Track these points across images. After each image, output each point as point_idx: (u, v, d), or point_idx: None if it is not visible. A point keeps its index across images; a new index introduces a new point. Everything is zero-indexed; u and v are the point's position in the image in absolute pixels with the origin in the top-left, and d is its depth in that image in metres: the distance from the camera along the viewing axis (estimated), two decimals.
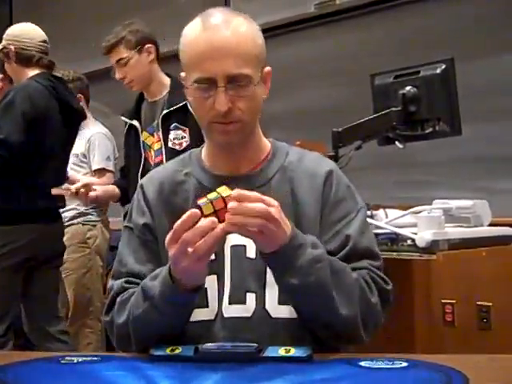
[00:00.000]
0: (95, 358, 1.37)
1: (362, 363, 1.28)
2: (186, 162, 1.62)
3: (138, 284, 1.49)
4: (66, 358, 1.37)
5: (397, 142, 2.78)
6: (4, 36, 3.39)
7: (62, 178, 3.40)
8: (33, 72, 3.32)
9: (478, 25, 3.84)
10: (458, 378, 1.18)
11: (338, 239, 1.50)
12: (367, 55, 4.19)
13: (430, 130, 2.71)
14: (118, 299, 1.51)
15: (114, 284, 1.55)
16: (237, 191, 1.30)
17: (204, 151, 1.62)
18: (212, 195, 1.31)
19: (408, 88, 2.71)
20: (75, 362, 1.35)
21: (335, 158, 2.60)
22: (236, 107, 1.46)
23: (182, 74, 1.53)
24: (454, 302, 2.34)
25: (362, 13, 4.35)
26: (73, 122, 3.43)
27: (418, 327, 2.42)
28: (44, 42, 3.40)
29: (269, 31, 4.08)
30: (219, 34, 1.45)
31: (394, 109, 2.72)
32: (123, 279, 1.54)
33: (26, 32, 3.37)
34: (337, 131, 2.70)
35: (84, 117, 3.58)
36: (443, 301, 2.36)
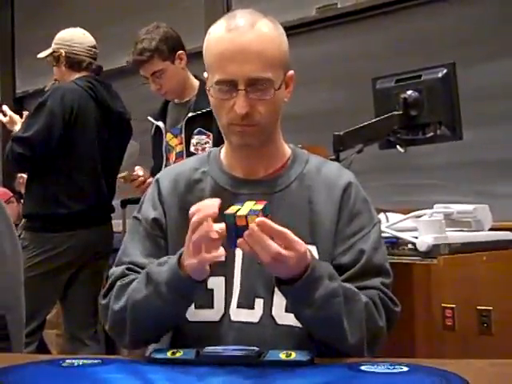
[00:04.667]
0: (96, 361, 1.36)
1: (363, 367, 1.28)
2: (204, 161, 1.62)
3: (139, 272, 1.49)
4: (67, 360, 1.37)
5: (398, 146, 2.78)
6: (54, 40, 3.45)
7: (102, 183, 3.40)
8: (80, 76, 3.38)
9: (479, 29, 3.84)
10: (459, 382, 1.18)
11: (352, 253, 1.50)
12: (369, 59, 4.19)
13: (431, 134, 2.71)
14: (118, 283, 1.51)
15: (114, 270, 1.55)
16: (261, 219, 1.29)
17: (223, 152, 1.62)
18: (242, 210, 1.30)
19: (409, 92, 2.71)
20: (76, 364, 1.35)
21: (338, 163, 2.60)
22: (255, 110, 1.46)
23: (205, 75, 1.53)
24: (454, 306, 2.34)
25: (364, 17, 4.36)
26: (114, 125, 3.42)
27: (418, 331, 2.42)
28: (93, 47, 3.46)
29: None
30: (243, 36, 1.45)
31: (395, 113, 2.72)
32: (125, 266, 1.54)
33: (77, 37, 3.44)
34: (338, 135, 2.70)
35: (128, 121, 3.54)
36: (443, 305, 2.36)
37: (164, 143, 3.14)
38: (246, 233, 1.28)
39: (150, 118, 3.21)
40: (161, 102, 3.26)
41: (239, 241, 1.30)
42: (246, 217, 1.29)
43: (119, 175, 3.19)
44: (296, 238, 1.32)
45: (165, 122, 3.17)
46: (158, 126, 3.17)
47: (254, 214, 1.29)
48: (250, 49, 1.44)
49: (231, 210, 1.31)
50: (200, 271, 1.36)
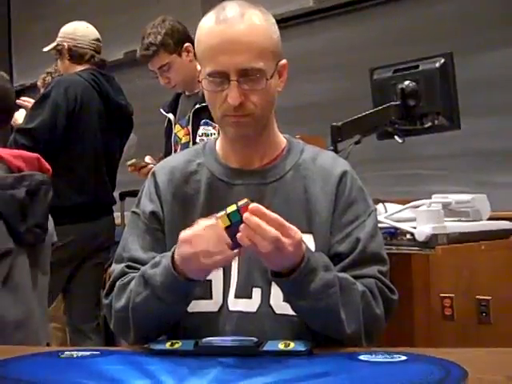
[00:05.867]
0: (95, 353, 1.37)
1: (362, 357, 1.28)
2: (199, 153, 1.63)
3: (138, 269, 1.50)
4: (66, 352, 1.37)
5: (396, 137, 2.78)
6: (59, 34, 3.46)
7: (104, 176, 3.42)
8: (83, 69, 3.39)
9: (478, 18, 3.83)
10: (457, 371, 1.18)
11: (349, 241, 1.51)
12: (366, 49, 4.18)
13: (429, 124, 2.70)
14: (118, 283, 1.51)
15: (115, 268, 1.56)
16: (255, 205, 1.30)
17: (218, 143, 1.62)
18: (230, 208, 1.31)
19: (407, 82, 2.71)
20: (75, 356, 1.35)
21: (334, 153, 2.60)
22: (249, 101, 1.46)
23: (198, 67, 1.53)
24: (452, 295, 2.35)
25: (362, 7, 4.35)
26: (116, 118, 3.44)
27: (417, 321, 2.42)
28: (97, 40, 3.48)
29: None
30: (233, 27, 1.45)
31: (393, 103, 2.72)
32: (124, 264, 1.54)
33: (80, 30, 3.46)
34: (336, 125, 2.69)
35: (130, 115, 3.56)
36: (442, 295, 2.36)
37: (173, 135, 3.15)
38: (242, 226, 1.29)
39: (161, 110, 3.23)
40: (159, 94, 3.27)
41: (238, 235, 1.30)
42: (238, 211, 1.29)
43: (128, 162, 3.19)
44: (290, 225, 1.33)
45: (175, 114, 3.18)
46: (169, 119, 3.19)
47: (245, 205, 1.30)
48: (241, 40, 1.44)
49: (221, 213, 1.32)
50: (204, 276, 1.39)
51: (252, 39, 1.45)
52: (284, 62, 1.55)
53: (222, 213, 1.32)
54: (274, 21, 1.53)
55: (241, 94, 1.45)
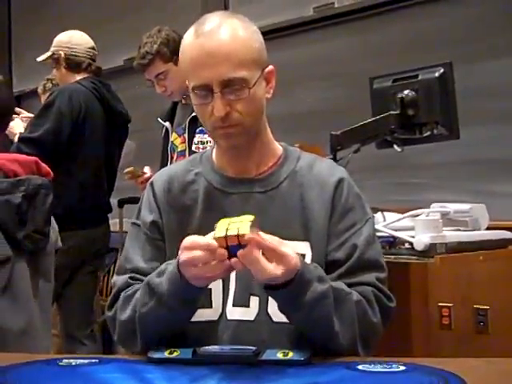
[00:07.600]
0: (93, 361, 1.37)
1: (360, 367, 1.28)
2: (196, 162, 1.63)
3: (142, 280, 1.50)
4: (64, 360, 1.37)
5: (395, 145, 2.79)
6: (53, 43, 3.48)
7: (104, 183, 3.44)
8: (80, 77, 3.41)
9: (476, 28, 3.84)
10: (456, 381, 1.18)
11: (345, 248, 1.51)
12: (366, 59, 4.19)
13: (428, 133, 2.71)
14: (122, 294, 1.51)
15: (117, 279, 1.56)
16: (251, 237, 1.28)
17: (215, 152, 1.63)
18: (231, 230, 1.29)
19: (406, 92, 2.71)
20: (73, 364, 1.35)
21: (333, 161, 2.60)
22: (235, 110, 1.47)
23: (187, 81, 1.54)
24: (451, 305, 2.34)
25: (361, 16, 4.35)
26: (116, 125, 3.46)
27: (414, 330, 2.42)
28: (92, 48, 3.50)
29: (268, 34, 4.06)
30: (211, 39, 1.45)
31: (392, 112, 2.72)
32: (128, 275, 1.54)
33: (75, 38, 3.48)
34: (335, 134, 2.70)
35: (128, 122, 3.59)
36: (440, 304, 2.36)
37: (170, 143, 3.18)
38: (241, 253, 1.28)
39: (159, 119, 3.27)
40: (159, 101, 3.29)
41: (233, 261, 1.30)
42: (237, 236, 1.28)
43: (125, 170, 3.21)
44: (286, 252, 1.32)
45: (172, 123, 3.20)
46: (166, 127, 3.22)
47: (243, 234, 1.28)
48: (220, 51, 1.45)
49: (222, 223, 1.31)
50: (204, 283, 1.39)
51: (231, 49, 1.45)
52: (270, 68, 1.54)
53: (221, 233, 1.30)
54: (255, 29, 1.53)
55: (225, 104, 1.46)
